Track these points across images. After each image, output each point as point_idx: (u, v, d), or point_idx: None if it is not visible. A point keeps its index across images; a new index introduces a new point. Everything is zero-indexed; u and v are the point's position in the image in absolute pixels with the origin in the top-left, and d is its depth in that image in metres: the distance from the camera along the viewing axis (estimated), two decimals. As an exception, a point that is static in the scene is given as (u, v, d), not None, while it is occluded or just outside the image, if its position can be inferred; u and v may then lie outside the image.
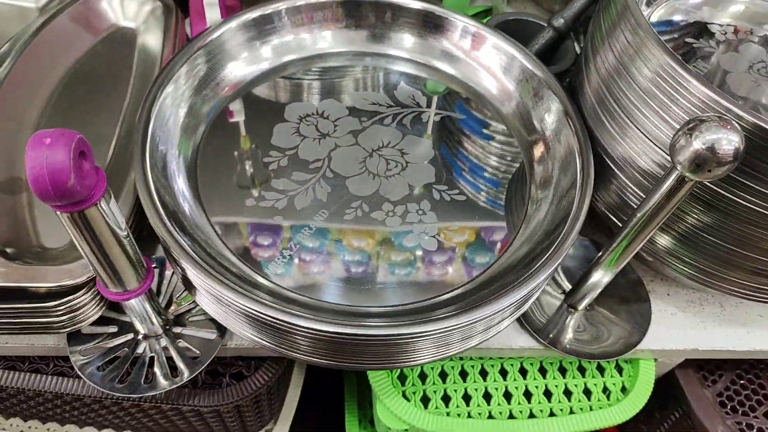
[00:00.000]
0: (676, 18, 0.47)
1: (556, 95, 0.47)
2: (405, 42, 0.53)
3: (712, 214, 0.38)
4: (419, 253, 0.42)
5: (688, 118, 0.34)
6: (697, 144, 0.30)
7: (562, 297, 0.47)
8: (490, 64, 0.51)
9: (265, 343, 0.38)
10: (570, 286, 0.47)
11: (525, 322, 0.45)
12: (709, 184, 0.37)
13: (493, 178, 0.47)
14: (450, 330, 0.36)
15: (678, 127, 0.33)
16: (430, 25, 0.52)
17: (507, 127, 0.49)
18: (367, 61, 0.53)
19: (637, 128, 0.39)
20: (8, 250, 0.38)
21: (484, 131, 0.50)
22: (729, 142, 0.30)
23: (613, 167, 0.42)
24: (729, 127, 0.30)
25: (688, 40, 0.45)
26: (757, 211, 0.36)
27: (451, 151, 0.48)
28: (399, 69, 0.52)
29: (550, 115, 0.47)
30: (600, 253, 0.41)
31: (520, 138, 0.49)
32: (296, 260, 0.40)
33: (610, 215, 0.44)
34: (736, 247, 0.39)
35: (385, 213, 0.43)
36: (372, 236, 0.42)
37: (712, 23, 0.46)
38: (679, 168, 0.32)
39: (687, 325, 0.46)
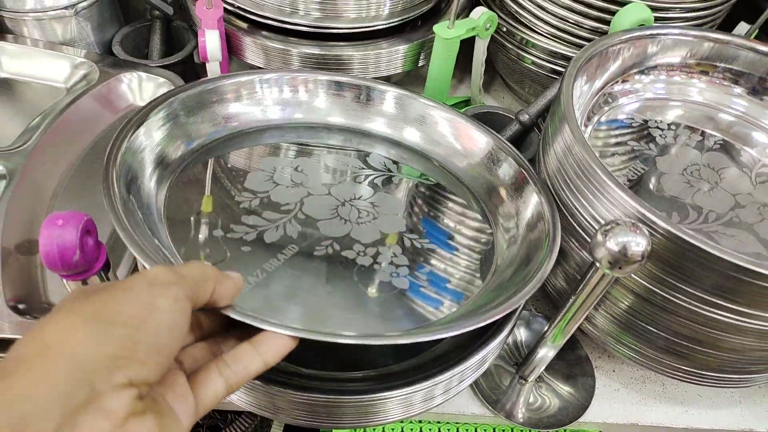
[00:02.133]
0: (624, 120, 0.53)
1: (517, 163, 0.50)
2: (380, 118, 0.56)
3: (648, 308, 0.43)
4: (393, 289, 0.43)
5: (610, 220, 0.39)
6: (611, 245, 0.35)
7: (515, 369, 0.51)
8: (465, 145, 0.55)
9: (239, 401, 0.42)
10: (521, 359, 0.51)
11: (479, 391, 0.49)
12: (640, 280, 0.42)
13: (463, 244, 0.48)
14: (414, 392, 0.40)
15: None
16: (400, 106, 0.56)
17: (479, 206, 0.52)
18: (343, 134, 0.55)
19: (575, 224, 0.44)
20: (20, 305, 0.43)
21: (452, 204, 0.52)
22: (637, 244, 0.35)
23: (559, 256, 0.47)
24: (638, 231, 0.36)
25: (631, 143, 0.51)
26: (687, 307, 0.41)
27: (422, 210, 0.50)
28: (373, 144, 0.55)
29: (518, 190, 0.50)
30: (546, 329, 0.46)
31: (489, 212, 0.51)
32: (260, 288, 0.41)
33: (558, 298, 0.49)
34: (672, 336, 0.43)
35: (356, 252, 0.44)
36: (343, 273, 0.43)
37: (655, 128, 0.52)
38: (597, 264, 0.37)
39: (629, 401, 0.50)
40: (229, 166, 0.50)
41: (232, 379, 0.30)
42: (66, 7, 0.60)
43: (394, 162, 0.54)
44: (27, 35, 0.61)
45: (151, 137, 0.46)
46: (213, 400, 0.30)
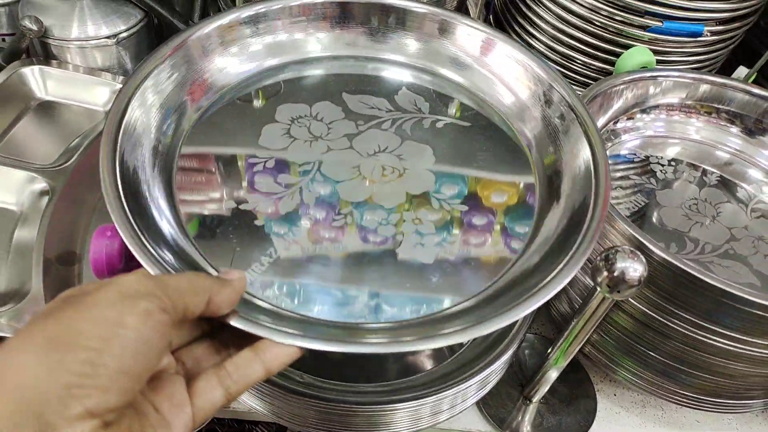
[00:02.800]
0: (627, 155, 0.56)
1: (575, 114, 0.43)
2: (409, 47, 0.50)
3: (647, 332, 0.45)
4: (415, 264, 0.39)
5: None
6: (610, 269, 0.38)
7: (520, 389, 0.53)
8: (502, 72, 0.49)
9: (259, 408, 0.44)
10: (526, 379, 0.54)
11: (485, 409, 0.52)
12: (639, 306, 0.44)
13: (500, 203, 0.43)
14: (422, 405, 0.42)
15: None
16: (437, 30, 0.50)
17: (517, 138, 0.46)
18: (366, 65, 0.50)
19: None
20: (58, 311, 0.46)
21: (490, 154, 0.46)
22: (635, 270, 0.38)
23: (564, 279, 0.50)
24: (635, 258, 0.38)
25: (633, 177, 0.54)
26: (682, 332, 0.43)
27: (455, 162, 0.45)
28: (401, 74, 0.50)
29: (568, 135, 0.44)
30: (549, 350, 0.48)
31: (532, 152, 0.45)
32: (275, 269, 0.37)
33: (562, 321, 0.52)
34: (669, 361, 0.46)
35: (377, 221, 0.40)
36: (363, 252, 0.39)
37: (656, 163, 0.55)
38: (598, 288, 0.40)
39: (629, 424, 0.52)
40: (244, 116, 0.45)
41: (232, 388, 0.29)
42: (108, 37, 0.65)
43: (427, 100, 0.48)
44: (70, 61, 0.66)
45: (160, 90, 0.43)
46: (211, 410, 0.29)
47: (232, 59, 0.47)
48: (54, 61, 0.65)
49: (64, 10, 0.64)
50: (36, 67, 0.63)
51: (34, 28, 0.61)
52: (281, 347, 0.30)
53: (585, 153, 0.42)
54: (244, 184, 0.41)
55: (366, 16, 0.50)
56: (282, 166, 0.42)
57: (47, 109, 0.64)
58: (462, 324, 0.34)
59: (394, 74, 0.50)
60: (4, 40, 0.70)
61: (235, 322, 0.30)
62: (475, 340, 0.50)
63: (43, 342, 0.23)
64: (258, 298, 0.36)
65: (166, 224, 0.38)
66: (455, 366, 0.48)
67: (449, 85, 0.50)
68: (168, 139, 0.42)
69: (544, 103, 0.47)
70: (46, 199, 0.53)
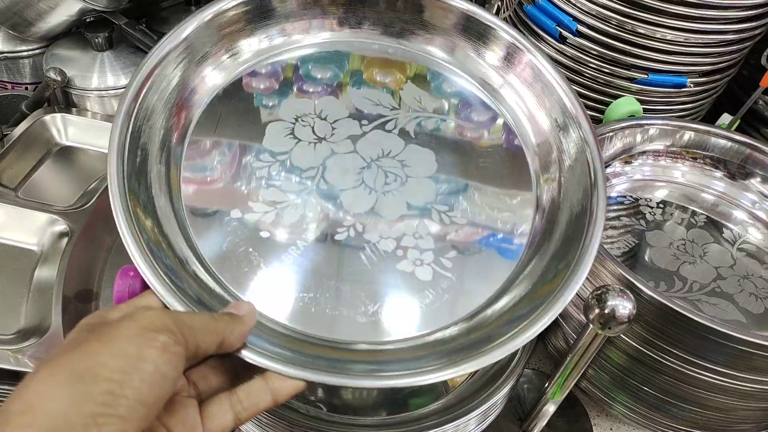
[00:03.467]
0: (617, 197, 0.59)
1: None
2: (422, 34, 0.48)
3: (639, 367, 0.47)
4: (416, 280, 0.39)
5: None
6: (601, 307, 0.41)
7: (519, 424, 0.55)
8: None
9: None
10: (524, 414, 0.55)
11: (486, 443, 0.53)
12: (631, 341, 0.46)
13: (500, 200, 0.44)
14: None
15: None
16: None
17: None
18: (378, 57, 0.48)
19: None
20: (76, 347, 0.48)
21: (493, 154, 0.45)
22: (624, 307, 0.41)
23: (559, 318, 0.52)
24: (625, 296, 0.41)
25: (624, 218, 0.57)
26: (672, 367, 0.45)
27: (456, 167, 0.45)
28: (407, 71, 0.48)
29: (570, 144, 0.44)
30: (546, 385, 0.50)
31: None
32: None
33: (558, 356, 0.54)
34: (661, 395, 0.47)
35: (378, 234, 0.41)
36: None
37: (645, 205, 0.58)
38: (591, 325, 0.42)
39: (626, 458, 0.54)
40: (246, 114, 0.44)
41: (242, 414, 0.31)
42: (125, 87, 0.69)
43: (430, 96, 0.47)
44: (89, 109, 0.70)
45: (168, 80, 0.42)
46: None
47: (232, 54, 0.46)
48: (74, 109, 0.69)
49: (86, 62, 0.68)
50: (58, 115, 0.67)
51: (58, 79, 0.65)
52: (289, 379, 0.32)
53: (586, 191, 0.42)
54: (249, 192, 0.41)
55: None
56: (286, 172, 0.42)
57: (66, 154, 0.67)
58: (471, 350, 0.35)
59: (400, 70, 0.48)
60: (26, 89, 0.74)
61: (246, 354, 0.32)
62: (474, 373, 0.52)
63: (68, 373, 0.25)
64: (263, 317, 0.37)
65: (178, 241, 0.39)
66: (455, 400, 0.50)
67: (457, 82, 0.48)
68: (173, 142, 0.42)
69: (559, 129, 0.46)
70: (65, 240, 0.56)
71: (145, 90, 0.41)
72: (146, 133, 0.41)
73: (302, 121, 0.45)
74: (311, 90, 0.47)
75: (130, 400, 0.25)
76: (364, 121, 0.45)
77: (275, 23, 0.47)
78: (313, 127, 0.45)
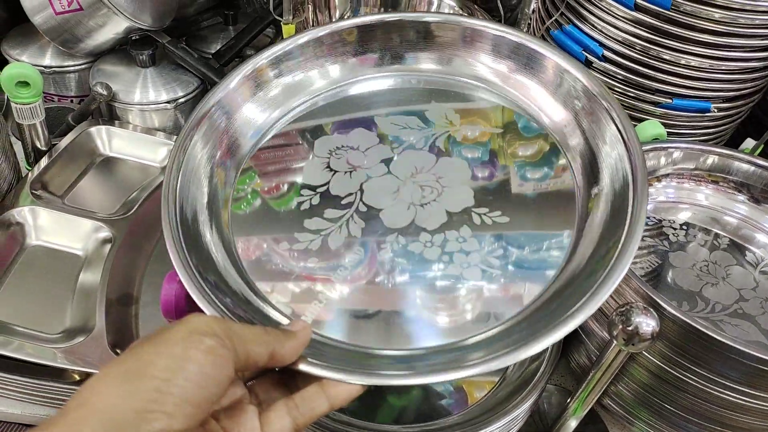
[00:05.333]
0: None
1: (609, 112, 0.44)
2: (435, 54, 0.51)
3: (662, 385, 0.48)
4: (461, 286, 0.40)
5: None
6: (625, 324, 0.42)
7: (541, 438, 0.56)
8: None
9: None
10: (546, 429, 0.56)
11: (507, 456, 0.54)
12: (654, 359, 0.47)
13: (543, 207, 0.44)
14: None
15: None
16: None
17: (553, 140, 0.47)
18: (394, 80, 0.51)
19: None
20: (117, 350, 0.51)
21: (526, 155, 0.47)
22: (648, 324, 0.42)
23: (583, 335, 0.53)
24: (648, 314, 0.42)
25: (648, 239, 0.58)
26: (695, 385, 0.46)
27: (491, 172, 0.46)
28: (431, 93, 0.50)
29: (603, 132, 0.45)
30: (568, 400, 0.51)
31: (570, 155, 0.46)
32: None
33: (581, 373, 0.55)
34: (684, 413, 0.48)
35: (422, 244, 0.42)
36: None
37: (668, 227, 0.60)
38: (614, 342, 0.43)
39: (647, 476, 0.54)
40: (282, 157, 0.47)
41: (299, 419, 0.32)
42: (167, 102, 0.72)
43: (457, 111, 0.49)
44: (131, 121, 0.73)
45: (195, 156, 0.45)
46: None
47: (258, 104, 0.49)
48: (117, 122, 0.73)
49: (129, 78, 0.72)
50: (102, 127, 0.70)
51: (104, 93, 0.68)
52: (344, 385, 0.33)
53: (627, 182, 0.42)
54: (294, 224, 0.43)
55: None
56: (327, 201, 0.44)
57: (109, 164, 0.70)
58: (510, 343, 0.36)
59: (421, 88, 0.51)
60: (72, 101, 0.78)
61: (302, 367, 0.34)
62: (497, 386, 0.53)
63: (120, 373, 0.28)
64: (319, 334, 0.39)
65: (228, 270, 0.41)
66: (478, 412, 0.51)
67: (484, 96, 0.50)
68: (217, 188, 0.46)
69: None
70: (108, 246, 0.59)
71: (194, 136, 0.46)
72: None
73: (336, 154, 0.47)
74: (343, 126, 0.49)
75: (176, 398, 0.27)
76: (395, 144, 0.47)
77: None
78: (347, 158, 0.47)
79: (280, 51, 0.50)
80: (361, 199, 0.44)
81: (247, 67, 0.49)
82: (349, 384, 0.33)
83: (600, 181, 0.44)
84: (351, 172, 0.46)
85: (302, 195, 0.45)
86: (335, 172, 0.46)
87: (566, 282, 0.40)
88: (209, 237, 0.43)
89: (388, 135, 0.48)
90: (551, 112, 0.49)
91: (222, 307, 0.37)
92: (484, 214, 0.44)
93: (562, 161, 0.47)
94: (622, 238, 0.39)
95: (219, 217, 0.45)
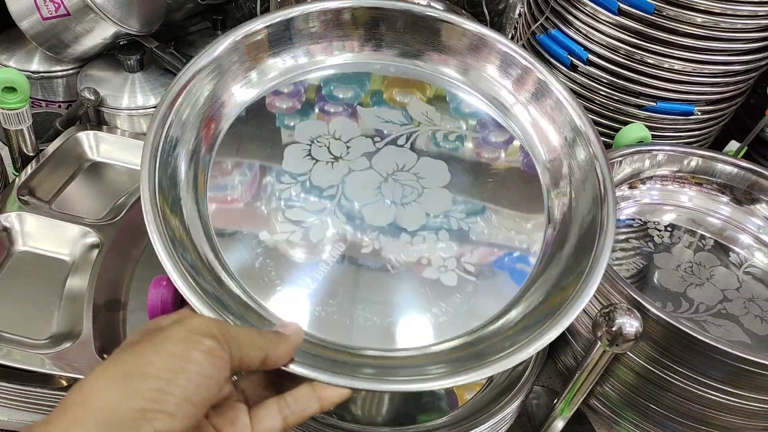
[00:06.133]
0: (626, 220, 0.61)
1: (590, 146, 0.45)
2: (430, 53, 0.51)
3: (647, 385, 0.48)
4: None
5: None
6: (609, 325, 0.42)
7: (529, 439, 0.56)
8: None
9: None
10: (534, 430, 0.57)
11: (495, 457, 0.54)
12: (638, 360, 0.48)
13: (518, 212, 0.46)
14: None
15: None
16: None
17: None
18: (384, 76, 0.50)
19: (583, 309, 0.51)
20: (105, 355, 0.51)
21: (502, 159, 0.48)
22: (631, 325, 0.42)
23: (569, 336, 0.54)
24: (632, 314, 0.43)
25: (633, 240, 0.59)
26: (678, 385, 0.47)
27: (469, 176, 0.47)
28: (414, 87, 0.50)
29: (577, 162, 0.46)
30: (555, 401, 0.52)
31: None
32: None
33: (567, 374, 0.55)
34: (668, 413, 0.49)
35: (402, 244, 0.43)
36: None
37: (653, 228, 0.60)
38: (599, 342, 0.44)
39: (634, 476, 0.54)
40: (263, 138, 0.46)
41: (290, 418, 0.32)
42: (155, 107, 0.72)
43: (437, 110, 0.50)
44: (119, 127, 0.73)
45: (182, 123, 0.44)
46: None
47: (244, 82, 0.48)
48: (105, 127, 0.72)
49: (117, 83, 0.72)
50: (90, 132, 0.70)
51: (92, 98, 0.68)
52: (335, 387, 0.34)
53: (596, 202, 0.44)
54: (274, 213, 0.43)
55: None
56: (308, 191, 0.44)
57: (97, 169, 0.70)
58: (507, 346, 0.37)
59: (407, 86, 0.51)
60: (60, 106, 0.78)
61: (293, 368, 0.34)
62: (484, 387, 0.53)
63: (120, 371, 0.27)
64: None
65: (211, 260, 0.41)
66: (465, 414, 0.51)
67: (466, 99, 0.50)
68: (198, 167, 0.45)
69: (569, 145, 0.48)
70: (95, 251, 0.58)
71: (179, 100, 0.44)
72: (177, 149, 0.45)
73: (317, 142, 0.47)
74: (327, 110, 0.49)
75: (177, 398, 0.27)
76: (377, 138, 0.48)
77: (299, 44, 0.50)
78: (329, 147, 0.47)
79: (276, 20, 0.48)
80: (343, 193, 0.44)
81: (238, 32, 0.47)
82: (339, 387, 0.34)
83: (563, 188, 0.47)
84: (333, 163, 0.46)
85: (282, 182, 0.45)
86: (317, 161, 0.46)
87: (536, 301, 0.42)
88: (188, 205, 0.42)
89: (370, 127, 0.48)
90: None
91: (207, 299, 0.36)
92: (461, 219, 0.45)
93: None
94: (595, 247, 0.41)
95: (197, 188, 0.44)
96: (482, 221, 0.45)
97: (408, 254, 0.43)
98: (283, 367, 0.33)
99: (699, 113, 0.65)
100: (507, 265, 0.44)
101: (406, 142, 0.48)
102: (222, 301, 0.38)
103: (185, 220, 0.42)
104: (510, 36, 0.75)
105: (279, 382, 0.35)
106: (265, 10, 0.71)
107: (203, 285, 0.38)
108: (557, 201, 0.46)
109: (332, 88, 0.50)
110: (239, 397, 0.33)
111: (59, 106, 0.78)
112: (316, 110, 0.49)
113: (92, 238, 0.59)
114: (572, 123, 0.47)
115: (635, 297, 0.46)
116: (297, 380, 0.34)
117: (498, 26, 0.81)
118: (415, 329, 0.41)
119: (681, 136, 0.67)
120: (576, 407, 0.50)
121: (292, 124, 0.48)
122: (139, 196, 0.64)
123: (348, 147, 0.47)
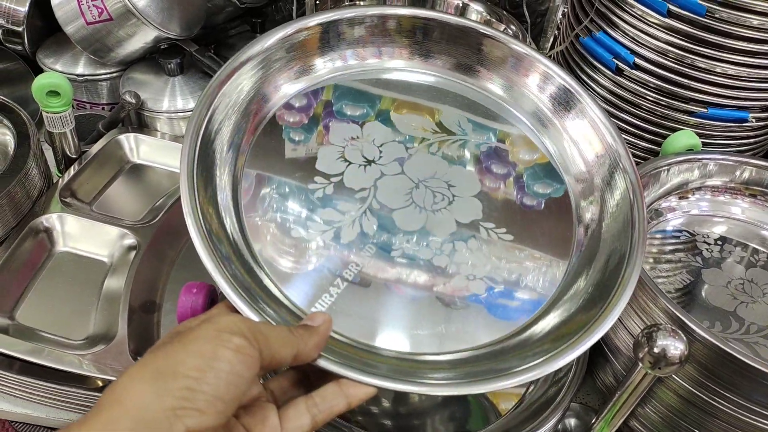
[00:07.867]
0: (674, 232, 0.58)
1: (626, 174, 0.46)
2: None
3: (691, 410, 0.46)
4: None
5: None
6: (651, 346, 0.40)
7: (564, 458, 0.54)
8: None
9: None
10: (571, 449, 0.54)
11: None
12: (683, 383, 0.45)
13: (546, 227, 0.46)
14: None
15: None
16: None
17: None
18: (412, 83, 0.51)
19: (624, 326, 0.49)
20: (138, 357, 0.51)
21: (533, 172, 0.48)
22: (675, 348, 0.40)
23: (609, 354, 0.52)
24: (677, 336, 0.40)
25: (679, 254, 0.56)
26: (726, 411, 0.44)
27: (498, 185, 0.47)
28: (447, 96, 0.50)
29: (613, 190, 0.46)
30: (593, 421, 0.50)
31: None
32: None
33: (606, 392, 0.53)
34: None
35: (432, 251, 0.43)
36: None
37: (702, 242, 0.57)
38: (640, 364, 0.41)
39: (675, 502, 0.52)
40: (298, 138, 0.47)
41: (318, 417, 0.33)
42: (208, 85, 0.72)
43: (470, 121, 0.50)
44: (159, 129, 0.74)
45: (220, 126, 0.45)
46: None
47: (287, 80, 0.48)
48: (145, 129, 0.74)
49: (158, 86, 0.73)
50: (131, 135, 0.71)
51: (133, 101, 0.69)
52: (362, 385, 0.34)
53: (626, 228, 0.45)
54: (307, 213, 0.44)
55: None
56: (340, 193, 0.45)
57: (137, 172, 0.71)
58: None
59: (439, 89, 0.51)
60: (103, 109, 0.80)
61: (323, 363, 0.34)
62: (520, 403, 0.52)
63: (152, 371, 0.28)
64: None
65: (243, 251, 0.41)
66: (500, 430, 0.50)
67: (499, 112, 0.51)
68: (234, 167, 0.45)
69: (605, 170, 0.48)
70: (133, 252, 0.59)
71: (220, 92, 0.45)
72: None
73: (351, 144, 0.47)
74: (357, 114, 0.50)
75: (208, 395, 0.28)
76: (409, 144, 0.48)
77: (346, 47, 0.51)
78: (362, 150, 0.47)
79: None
80: (374, 196, 0.45)
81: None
82: (366, 385, 0.34)
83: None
84: (365, 166, 0.46)
85: (316, 183, 0.45)
86: (350, 163, 0.46)
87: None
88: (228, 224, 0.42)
89: (403, 133, 0.49)
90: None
91: (258, 309, 0.36)
92: (491, 230, 0.45)
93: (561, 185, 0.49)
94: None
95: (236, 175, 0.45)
96: (511, 232, 0.45)
97: (437, 260, 0.43)
98: (313, 363, 0.34)
99: (753, 120, 0.62)
100: (535, 277, 0.44)
101: (437, 151, 0.48)
102: (253, 293, 0.38)
103: (220, 210, 0.43)
104: (551, 39, 0.73)
105: (306, 381, 0.35)
106: (302, 14, 0.71)
107: (236, 275, 0.38)
108: (587, 214, 0.47)
109: (369, 93, 0.50)
110: (268, 397, 0.34)
111: (103, 109, 0.80)
112: (350, 113, 0.49)
113: (130, 239, 0.60)
114: (604, 140, 0.48)
115: (680, 316, 0.44)
116: (324, 379, 0.34)
117: (540, 28, 0.78)
118: (441, 335, 0.40)
119: (733, 144, 0.63)
120: (615, 429, 0.48)
121: (327, 125, 0.48)
122: (177, 198, 0.66)
123: (381, 151, 0.47)
